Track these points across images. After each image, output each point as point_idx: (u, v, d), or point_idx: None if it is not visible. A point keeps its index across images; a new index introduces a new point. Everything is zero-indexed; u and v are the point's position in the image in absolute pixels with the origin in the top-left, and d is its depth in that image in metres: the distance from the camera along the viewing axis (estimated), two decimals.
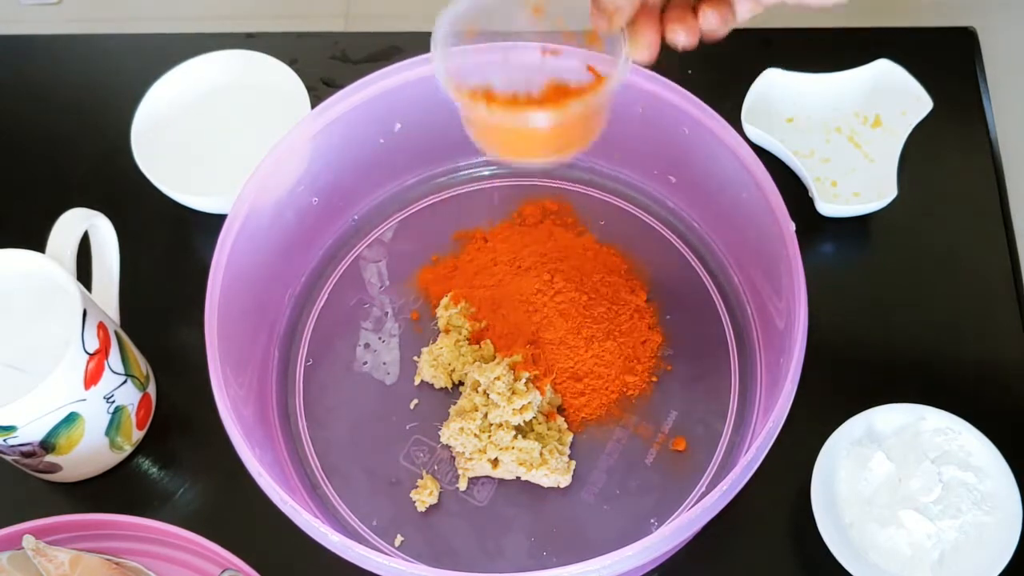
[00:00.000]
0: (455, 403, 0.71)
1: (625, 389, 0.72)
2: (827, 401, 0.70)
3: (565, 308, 0.72)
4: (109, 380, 0.67)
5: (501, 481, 0.70)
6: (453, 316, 0.74)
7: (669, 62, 0.57)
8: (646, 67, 0.59)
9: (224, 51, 0.83)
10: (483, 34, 0.56)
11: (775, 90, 0.82)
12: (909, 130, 0.79)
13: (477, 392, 0.70)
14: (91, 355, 0.65)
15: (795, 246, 0.63)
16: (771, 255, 0.66)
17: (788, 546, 0.69)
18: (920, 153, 0.80)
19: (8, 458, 0.69)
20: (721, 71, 0.80)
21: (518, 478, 0.69)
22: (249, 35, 0.90)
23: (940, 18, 0.96)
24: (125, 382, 0.69)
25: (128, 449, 0.73)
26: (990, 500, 0.65)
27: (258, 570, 0.64)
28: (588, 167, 0.80)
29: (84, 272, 0.72)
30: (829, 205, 0.77)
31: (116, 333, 0.69)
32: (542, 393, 0.70)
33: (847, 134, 0.82)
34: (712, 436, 0.70)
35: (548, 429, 0.70)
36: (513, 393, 0.69)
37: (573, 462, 0.69)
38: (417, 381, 0.73)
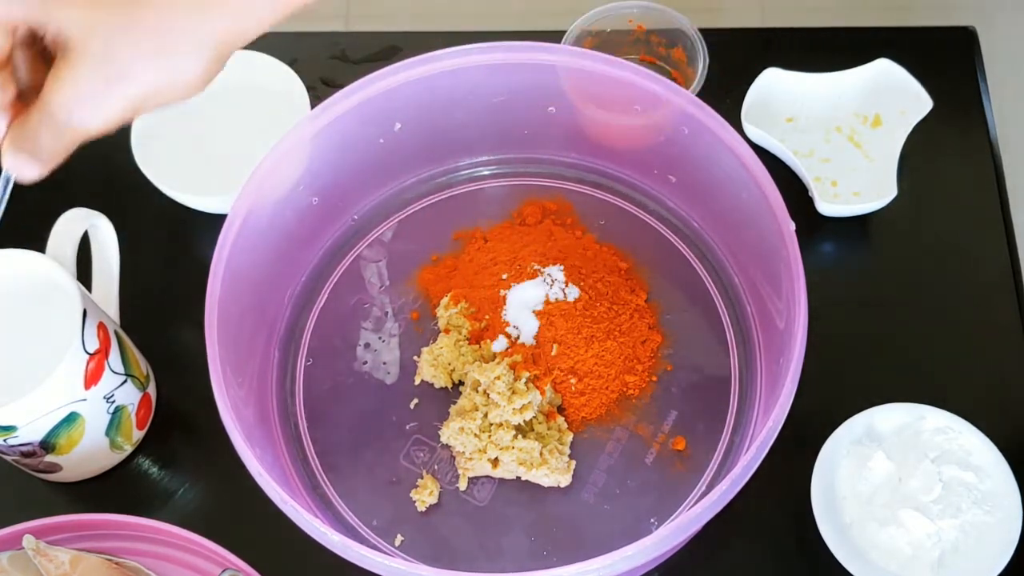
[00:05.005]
0: (455, 403, 0.71)
1: (625, 389, 0.72)
2: (827, 401, 0.70)
3: (565, 308, 0.72)
4: (109, 380, 0.67)
5: (501, 481, 0.70)
6: (453, 316, 0.74)
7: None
8: None
9: None
10: None
11: (775, 90, 0.81)
12: (909, 130, 0.79)
13: (477, 392, 0.70)
14: (91, 355, 0.65)
15: (795, 246, 0.63)
16: (771, 255, 0.66)
17: (788, 546, 0.69)
18: (920, 152, 0.80)
19: (8, 458, 0.69)
20: (721, 71, 0.80)
21: (518, 478, 0.69)
22: None
23: (940, 18, 0.96)
24: (125, 382, 0.69)
25: (128, 449, 0.73)
26: (990, 499, 0.65)
27: (258, 570, 0.64)
28: (588, 167, 0.80)
29: (84, 272, 0.72)
30: (829, 205, 0.77)
31: (116, 333, 0.69)
32: (542, 393, 0.70)
33: (847, 134, 0.82)
34: (712, 436, 0.70)
35: (548, 429, 0.70)
36: (513, 393, 0.69)
37: (573, 462, 0.69)
38: (417, 381, 0.73)
